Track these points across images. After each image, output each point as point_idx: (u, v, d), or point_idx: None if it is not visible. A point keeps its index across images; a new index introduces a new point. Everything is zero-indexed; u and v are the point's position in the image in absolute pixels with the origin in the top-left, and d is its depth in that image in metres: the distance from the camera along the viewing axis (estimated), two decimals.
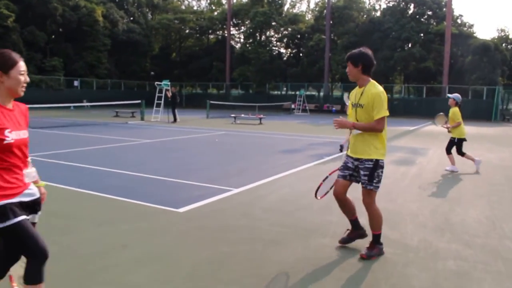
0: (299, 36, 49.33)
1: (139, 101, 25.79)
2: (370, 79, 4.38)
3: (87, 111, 34.10)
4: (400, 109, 37.41)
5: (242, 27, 54.68)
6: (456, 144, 9.52)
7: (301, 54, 49.69)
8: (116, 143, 13.36)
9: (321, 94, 44.80)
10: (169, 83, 25.31)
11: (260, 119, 24.21)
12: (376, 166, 4.24)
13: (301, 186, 7.53)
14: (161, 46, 57.18)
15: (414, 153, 12.56)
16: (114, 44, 45.68)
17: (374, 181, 4.25)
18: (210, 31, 57.00)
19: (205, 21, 54.78)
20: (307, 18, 55.57)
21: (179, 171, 8.83)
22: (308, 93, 46.16)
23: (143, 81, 50.01)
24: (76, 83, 41.31)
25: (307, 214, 5.81)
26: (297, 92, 40.60)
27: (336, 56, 42.05)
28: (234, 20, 52.63)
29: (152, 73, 49.64)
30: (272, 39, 52.10)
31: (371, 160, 4.24)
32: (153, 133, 17.02)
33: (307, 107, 39.02)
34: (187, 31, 57.29)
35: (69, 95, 38.77)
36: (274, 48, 51.65)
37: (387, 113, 4.19)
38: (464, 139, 9.53)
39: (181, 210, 5.84)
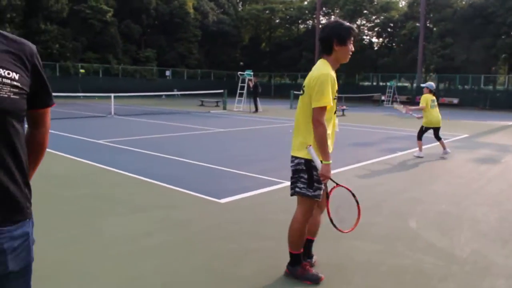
0: (391, 24, 47.05)
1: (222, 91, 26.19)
2: (324, 57, 3.37)
3: (176, 100, 35.51)
4: (503, 102, 34.18)
5: (332, 16, 53.39)
6: (423, 131, 9.85)
7: (393, 44, 47.43)
8: (189, 131, 13.63)
9: (414, 85, 42.39)
10: (251, 73, 25.39)
11: (343, 110, 23.44)
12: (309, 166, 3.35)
13: (358, 181, 7.03)
14: (251, 37, 57.77)
15: (503, 150, 11.28)
16: (204, 35, 47.02)
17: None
18: (299, 21, 56.48)
19: (295, 10, 54.36)
20: (400, 5, 52.68)
21: (237, 161, 8.71)
22: (399, 84, 43.99)
23: (233, 71, 50.94)
24: (167, 73, 43.23)
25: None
26: (388, 83, 38.83)
27: (430, 45, 39.44)
28: (323, 9, 51.56)
29: (241, 63, 50.41)
30: (363, 28, 50.29)
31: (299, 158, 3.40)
32: (230, 123, 17.16)
33: (397, 99, 37.15)
34: (276, 21, 57.33)
35: (161, 84, 40.69)
36: (364, 37, 49.84)
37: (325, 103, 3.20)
38: (429, 128, 9.85)
39: (223, 201, 5.70)
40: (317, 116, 3.20)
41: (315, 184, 3.34)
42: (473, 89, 37.41)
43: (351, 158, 9.22)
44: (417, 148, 9.88)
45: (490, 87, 40.46)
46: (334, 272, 3.63)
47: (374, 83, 45.03)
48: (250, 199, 5.84)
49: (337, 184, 3.45)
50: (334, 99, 3.33)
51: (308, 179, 3.35)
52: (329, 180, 3.34)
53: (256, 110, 23.74)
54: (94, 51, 38.21)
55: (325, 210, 3.39)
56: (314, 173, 3.31)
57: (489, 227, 4.88)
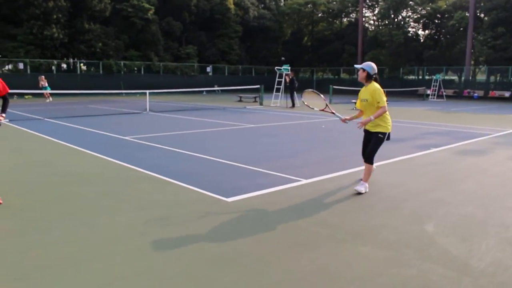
0: (438, 15, 45.06)
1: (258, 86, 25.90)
2: None
3: (216, 96, 35.62)
4: None
5: (376, 8, 51.91)
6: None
7: (441, 36, 45.44)
8: (219, 127, 13.45)
9: (462, 78, 40.48)
10: (288, 67, 24.95)
11: None
12: None
13: (381, 179, 6.55)
14: (293, 31, 57.09)
15: None
16: (245, 30, 46.91)
17: None
18: (342, 14, 55.27)
19: (337, 4, 53.23)
20: None
21: (258, 157, 8.41)
22: (446, 77, 42.21)
23: (274, 66, 50.47)
24: (208, 69, 43.45)
25: (363, 214, 4.94)
26: (433, 77, 37.29)
27: (480, 36, 37.45)
28: (367, 1, 50.19)
29: (283, 58, 49.90)
30: (408, 19, 48.51)
31: None
32: (263, 118, 16.87)
33: (443, 93, 35.62)
34: (319, 15, 56.35)
35: (202, 80, 41.00)
36: (410, 29, 48.10)
37: None
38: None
39: (230, 199, 5.44)
40: None
41: None
42: None
43: (378, 155, 8.69)
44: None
45: None
46: (323, 282, 3.27)
47: (420, 77, 43.34)
48: (259, 198, 5.53)
49: None
50: None
51: None
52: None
53: (293, 105, 23.32)
54: (136, 49, 38.92)
55: None
56: None
57: None
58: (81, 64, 37.09)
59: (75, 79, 34.09)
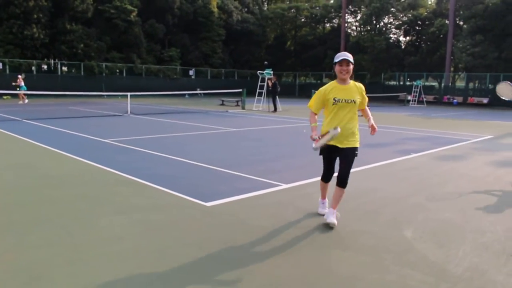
0: (419, 22, 45.74)
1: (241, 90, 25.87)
2: None
3: (199, 100, 35.47)
4: None
5: (358, 14, 52.47)
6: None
7: (421, 43, 46.11)
8: (200, 131, 13.38)
9: (442, 84, 41.13)
10: (271, 72, 25.00)
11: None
12: None
13: (360, 185, 6.58)
14: (276, 36, 57.28)
15: None
16: (228, 34, 46.89)
17: None
18: (325, 20, 55.70)
19: (320, 9, 53.65)
20: (428, 2, 51.21)
21: (239, 161, 8.39)
22: (427, 83, 42.81)
23: (257, 70, 50.51)
24: (191, 72, 43.29)
25: (343, 219, 4.94)
26: (414, 83, 37.80)
27: (460, 43, 38.11)
28: (349, 7, 50.67)
29: (266, 62, 49.98)
30: (390, 26, 49.14)
31: None
32: (244, 122, 16.85)
33: (424, 99, 36.10)
34: (302, 20, 56.69)
35: (184, 84, 40.80)
36: (391, 35, 48.72)
37: None
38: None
39: (208, 204, 5.38)
40: None
41: None
42: None
43: (358, 160, 8.75)
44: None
45: None
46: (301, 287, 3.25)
47: (401, 82, 43.89)
48: (238, 203, 5.49)
49: None
50: None
51: None
52: None
53: (275, 109, 23.37)
54: (118, 50, 38.57)
55: None
56: None
57: (493, 239, 4.38)
58: (62, 65, 36.55)
59: (56, 80, 33.59)
